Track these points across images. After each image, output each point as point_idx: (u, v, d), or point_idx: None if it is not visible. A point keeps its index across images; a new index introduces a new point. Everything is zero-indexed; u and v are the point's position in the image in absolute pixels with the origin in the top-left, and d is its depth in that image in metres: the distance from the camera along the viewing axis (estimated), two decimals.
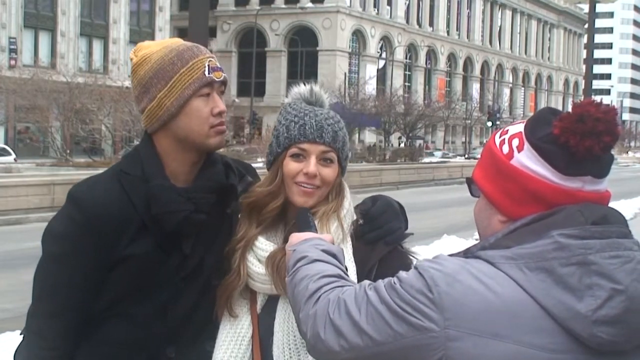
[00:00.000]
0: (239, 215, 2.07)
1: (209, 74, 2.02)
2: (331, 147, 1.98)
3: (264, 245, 2.00)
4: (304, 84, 2.09)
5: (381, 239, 1.98)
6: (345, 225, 1.98)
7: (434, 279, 1.37)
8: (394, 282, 1.42)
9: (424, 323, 1.34)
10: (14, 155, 33.58)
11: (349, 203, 2.03)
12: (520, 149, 1.43)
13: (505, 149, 1.46)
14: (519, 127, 1.47)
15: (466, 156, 60.18)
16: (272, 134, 2.06)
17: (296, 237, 1.76)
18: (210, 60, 2.05)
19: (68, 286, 1.99)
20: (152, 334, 2.04)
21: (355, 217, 2.02)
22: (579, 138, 1.36)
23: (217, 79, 2.04)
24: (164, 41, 2.13)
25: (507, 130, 1.50)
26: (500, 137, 1.50)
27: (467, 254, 1.47)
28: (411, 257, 2.02)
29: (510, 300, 1.33)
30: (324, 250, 1.65)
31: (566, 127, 1.37)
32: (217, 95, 2.05)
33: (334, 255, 1.65)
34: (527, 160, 1.42)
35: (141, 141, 2.13)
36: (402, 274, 1.44)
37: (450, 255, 1.49)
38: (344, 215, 1.99)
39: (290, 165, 1.97)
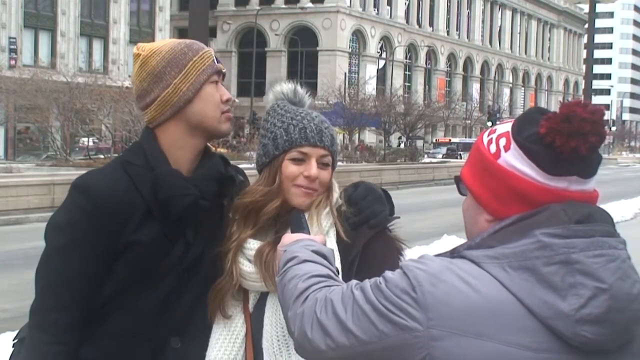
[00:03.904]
0: (233, 216, 2.08)
1: (217, 63, 2.14)
2: (329, 151, 2.02)
3: (253, 245, 2.02)
4: (285, 83, 2.12)
5: (364, 223, 1.98)
6: (334, 211, 2.00)
7: (417, 279, 1.37)
8: (380, 282, 1.43)
9: (407, 322, 1.35)
10: None
11: (337, 194, 2.06)
12: (507, 148, 1.43)
13: (493, 148, 1.46)
14: (507, 127, 1.47)
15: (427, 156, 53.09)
16: (264, 134, 2.06)
17: (288, 238, 1.78)
18: (214, 53, 2.16)
19: (76, 277, 2.00)
20: (157, 325, 2.06)
21: (339, 203, 2.04)
22: (565, 138, 1.35)
23: (223, 70, 2.16)
24: (165, 40, 2.21)
25: (495, 129, 1.50)
26: (488, 136, 1.50)
27: (453, 253, 1.47)
28: (400, 243, 2.03)
29: (493, 299, 1.33)
30: (314, 251, 1.66)
31: (552, 127, 1.37)
32: (220, 84, 2.15)
33: (324, 256, 1.66)
34: (514, 160, 1.42)
35: (142, 136, 2.16)
36: (388, 273, 1.44)
37: (438, 254, 1.50)
38: (334, 202, 2.02)
39: (291, 168, 1.98)
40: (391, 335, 1.37)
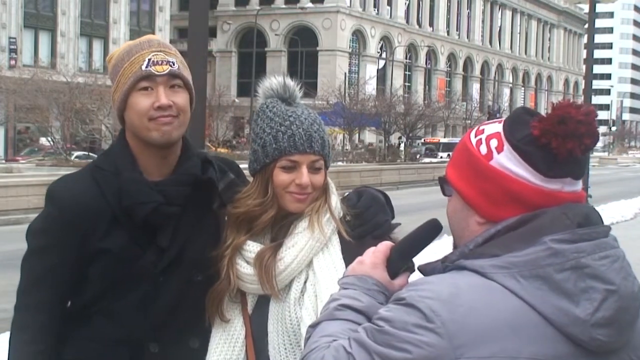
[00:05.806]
0: (227, 222, 2.06)
1: (146, 67, 2.01)
2: (320, 155, 1.98)
3: (251, 247, 2.01)
4: (274, 78, 2.05)
5: (369, 234, 1.97)
6: (336, 215, 1.98)
7: (432, 309, 1.30)
8: (381, 326, 1.33)
9: (429, 353, 1.28)
10: None
11: (337, 197, 2.04)
12: (499, 150, 1.41)
13: (484, 149, 1.43)
14: (496, 127, 1.45)
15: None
16: (254, 139, 2.02)
17: (368, 266, 1.58)
18: (155, 54, 2.03)
19: (52, 278, 2.05)
20: (134, 329, 2.07)
21: (342, 214, 2.02)
22: (561, 140, 1.35)
23: (157, 73, 2.01)
24: (137, 39, 2.15)
25: (483, 129, 1.47)
26: (475, 136, 1.47)
27: (445, 262, 1.43)
28: None
29: (510, 312, 1.31)
30: (358, 310, 1.49)
31: (547, 129, 1.37)
32: (162, 88, 2.02)
33: (364, 314, 1.48)
34: (508, 162, 1.40)
35: (117, 137, 2.17)
36: (383, 314, 1.35)
37: (426, 264, 1.47)
38: (334, 207, 2.00)
39: (282, 177, 1.96)
40: None
